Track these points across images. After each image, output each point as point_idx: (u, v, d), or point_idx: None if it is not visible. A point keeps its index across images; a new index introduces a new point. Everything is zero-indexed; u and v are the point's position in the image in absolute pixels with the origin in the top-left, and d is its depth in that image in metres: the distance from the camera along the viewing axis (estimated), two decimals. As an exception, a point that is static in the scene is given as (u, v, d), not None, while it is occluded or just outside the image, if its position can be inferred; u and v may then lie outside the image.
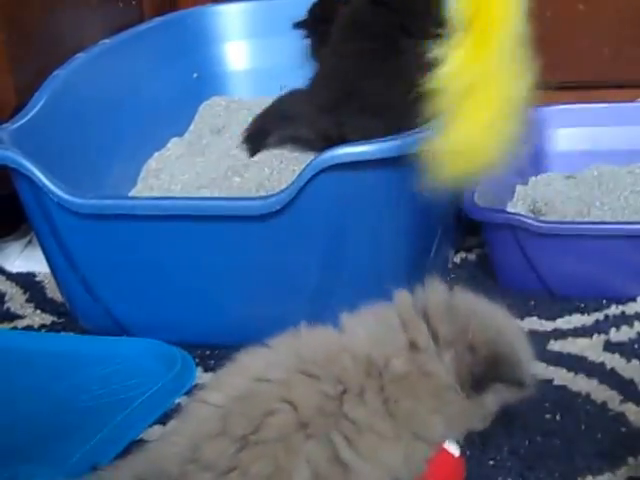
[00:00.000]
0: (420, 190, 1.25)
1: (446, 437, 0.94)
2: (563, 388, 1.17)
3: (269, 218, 1.24)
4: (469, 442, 1.07)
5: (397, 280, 1.24)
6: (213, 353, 1.33)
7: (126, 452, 1.13)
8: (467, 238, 1.57)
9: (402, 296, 1.01)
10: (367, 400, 0.87)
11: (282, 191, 1.23)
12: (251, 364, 0.92)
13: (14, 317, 1.51)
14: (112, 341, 1.36)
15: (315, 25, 1.72)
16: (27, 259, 1.64)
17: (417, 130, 1.23)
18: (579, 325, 1.31)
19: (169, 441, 0.90)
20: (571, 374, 1.19)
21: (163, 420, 1.20)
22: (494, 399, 0.96)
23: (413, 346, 0.93)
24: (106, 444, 1.14)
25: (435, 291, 1.00)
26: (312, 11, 1.74)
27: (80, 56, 1.55)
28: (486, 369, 0.93)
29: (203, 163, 1.65)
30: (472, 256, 1.53)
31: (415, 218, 1.30)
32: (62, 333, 1.44)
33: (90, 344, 1.37)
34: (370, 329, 0.95)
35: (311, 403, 0.85)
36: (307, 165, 1.21)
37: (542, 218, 1.44)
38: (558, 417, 1.12)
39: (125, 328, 1.38)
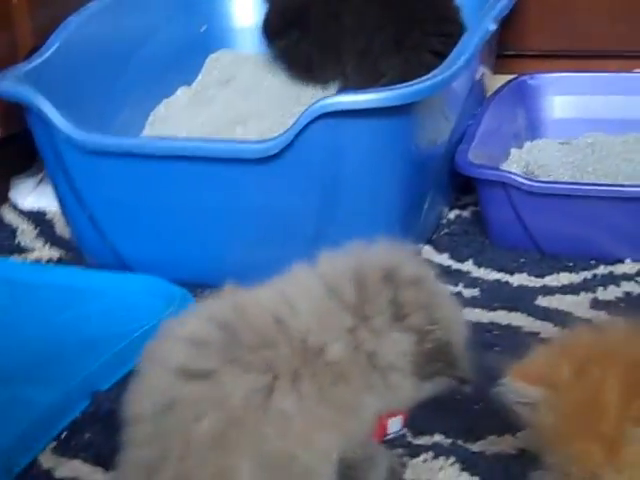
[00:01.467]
0: (414, 143, 1.24)
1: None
2: (549, 341, 1.14)
3: (266, 162, 1.22)
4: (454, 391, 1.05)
5: (391, 227, 1.25)
6: (212, 292, 1.30)
7: (124, 380, 1.11)
8: (462, 196, 1.54)
9: (363, 256, 0.87)
10: (300, 387, 0.80)
11: (279, 136, 1.21)
12: (180, 352, 0.81)
13: (24, 250, 1.49)
14: (115, 276, 1.35)
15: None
16: (39, 196, 1.62)
17: (413, 82, 1.21)
18: (567, 283, 1.28)
19: None
20: (557, 328, 1.16)
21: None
22: (433, 387, 0.88)
23: (362, 319, 0.83)
24: (104, 372, 1.13)
25: (400, 257, 0.87)
26: None
27: (94, 4, 1.53)
28: (440, 357, 0.85)
29: (208, 112, 1.63)
30: (466, 213, 1.50)
31: (408, 170, 1.28)
32: (67, 267, 1.42)
33: (93, 278, 1.35)
34: (314, 302, 0.83)
35: (240, 397, 0.78)
36: (303, 112, 1.19)
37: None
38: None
39: (128, 265, 1.37)
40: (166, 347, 0.81)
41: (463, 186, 1.50)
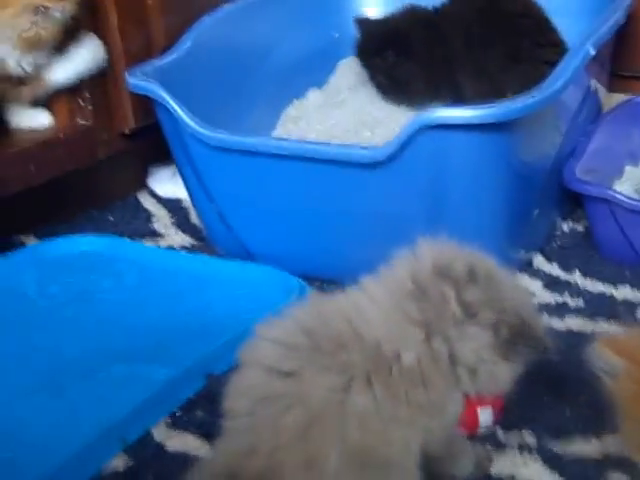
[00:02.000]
0: (518, 156, 1.25)
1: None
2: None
3: (374, 168, 1.25)
4: (548, 389, 1.08)
5: (496, 236, 1.27)
6: (328, 286, 1.35)
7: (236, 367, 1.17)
8: (577, 209, 1.55)
9: (426, 255, 0.90)
10: (374, 390, 0.83)
11: (386, 144, 1.24)
12: (267, 352, 0.87)
13: (158, 236, 1.55)
14: (239, 265, 1.39)
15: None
16: (176, 185, 1.65)
17: (518, 98, 1.23)
18: (669, 298, 1.28)
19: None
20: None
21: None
22: (520, 365, 0.91)
23: (433, 325, 0.86)
24: (219, 356, 1.17)
25: (457, 253, 0.90)
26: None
27: (227, 6, 1.58)
28: (517, 337, 0.87)
29: (338, 115, 1.66)
30: (579, 226, 1.50)
31: (512, 182, 1.29)
32: (197, 255, 1.47)
33: (218, 266, 1.41)
34: (386, 311, 0.87)
35: (320, 395, 0.82)
36: (407, 122, 1.22)
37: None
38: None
39: (253, 255, 1.41)
40: (260, 348, 0.88)
41: (578, 200, 1.50)
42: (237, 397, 0.87)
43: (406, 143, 1.21)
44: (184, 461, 1.00)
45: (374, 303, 0.88)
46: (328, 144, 1.39)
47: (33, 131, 1.45)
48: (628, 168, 1.52)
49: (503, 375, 0.89)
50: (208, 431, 1.04)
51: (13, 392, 1.13)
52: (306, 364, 0.84)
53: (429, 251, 0.91)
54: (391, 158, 1.23)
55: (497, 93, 1.48)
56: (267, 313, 1.22)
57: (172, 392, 1.11)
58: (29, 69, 1.39)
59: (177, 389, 1.12)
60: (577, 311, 1.27)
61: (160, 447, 1.03)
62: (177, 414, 1.09)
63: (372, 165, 1.25)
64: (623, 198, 1.32)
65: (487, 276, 0.88)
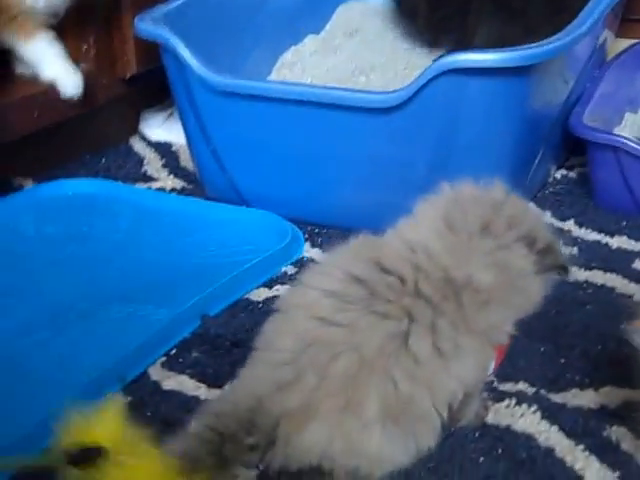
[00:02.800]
0: (530, 102, 1.23)
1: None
2: (641, 304, 1.14)
3: (386, 113, 1.23)
4: (544, 339, 1.06)
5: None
6: (322, 232, 1.34)
7: (232, 307, 1.16)
8: (571, 157, 1.53)
9: (468, 191, 0.92)
10: (438, 327, 0.82)
11: (403, 88, 1.22)
12: (317, 302, 0.84)
13: (150, 179, 1.54)
14: (233, 209, 1.38)
15: None
16: (167, 130, 1.66)
17: (537, 44, 1.20)
18: (667, 248, 1.27)
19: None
20: (652, 292, 1.15)
21: (269, 284, 1.21)
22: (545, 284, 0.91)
23: (493, 238, 0.87)
24: (216, 297, 1.17)
25: (487, 189, 0.93)
26: None
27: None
28: (546, 253, 0.89)
29: (334, 61, 1.64)
30: (573, 174, 1.49)
31: (522, 128, 1.28)
32: (189, 197, 1.46)
33: (213, 209, 1.39)
34: (442, 239, 0.87)
35: (376, 343, 0.81)
36: (428, 67, 1.20)
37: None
38: (632, 329, 1.09)
39: (246, 200, 1.40)
40: (309, 297, 0.85)
41: (573, 147, 1.48)
42: (280, 335, 0.84)
43: (423, 87, 1.20)
44: (179, 399, 0.99)
45: (432, 233, 0.87)
46: (340, 89, 1.37)
47: (37, 78, 1.43)
48: (628, 115, 1.50)
49: (536, 289, 0.89)
50: (203, 371, 1.04)
51: (14, 330, 1.12)
52: (362, 315, 0.82)
53: (459, 189, 0.92)
54: (406, 102, 1.21)
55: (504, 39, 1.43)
56: (259, 256, 1.23)
57: (169, 333, 1.10)
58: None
59: (174, 330, 1.11)
60: (571, 259, 1.23)
61: (156, 386, 1.02)
62: (173, 354, 1.08)
63: (384, 110, 1.23)
64: (633, 144, 1.30)
65: (516, 199, 0.92)
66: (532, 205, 0.94)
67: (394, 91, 1.23)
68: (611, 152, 1.31)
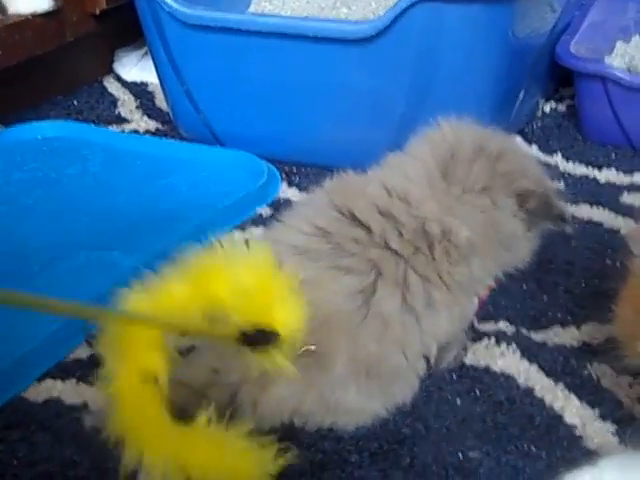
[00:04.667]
0: (512, 31, 1.20)
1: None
2: (628, 238, 1.11)
3: (363, 43, 1.19)
4: (526, 277, 1.04)
5: (481, 115, 1.19)
6: (299, 170, 1.32)
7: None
8: (561, 89, 1.49)
9: (451, 134, 0.87)
10: (407, 282, 0.79)
11: (378, 18, 1.18)
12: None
13: (123, 121, 1.51)
14: (205, 150, 1.35)
15: None
16: (142, 69, 1.63)
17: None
18: (656, 181, 1.24)
19: None
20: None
21: (243, 226, 1.18)
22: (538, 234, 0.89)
23: (482, 192, 0.83)
24: (187, 241, 1.11)
25: (485, 132, 0.88)
26: None
27: None
28: (543, 208, 0.85)
29: (314, -9, 1.60)
30: (562, 106, 1.46)
31: (504, 58, 1.23)
32: (163, 139, 1.43)
33: (186, 150, 1.36)
34: (424, 188, 0.83)
35: (338, 300, 0.77)
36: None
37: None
38: (618, 264, 1.06)
39: (221, 139, 1.37)
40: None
41: (563, 79, 1.45)
42: None
43: (399, 16, 1.16)
44: None
45: (410, 181, 0.84)
46: (315, 19, 1.35)
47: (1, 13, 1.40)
48: (619, 44, 1.46)
49: (525, 247, 0.87)
50: None
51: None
52: (324, 270, 0.78)
53: (459, 130, 0.87)
54: (382, 33, 1.18)
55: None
56: (235, 198, 1.20)
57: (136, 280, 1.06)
58: None
59: (141, 277, 1.06)
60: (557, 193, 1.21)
61: None
62: None
63: (361, 40, 1.19)
64: (620, 74, 1.27)
65: (513, 151, 0.87)
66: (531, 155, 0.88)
67: (369, 21, 1.20)
68: (599, 82, 1.28)
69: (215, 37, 1.27)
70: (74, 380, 0.90)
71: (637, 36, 1.50)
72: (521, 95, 1.32)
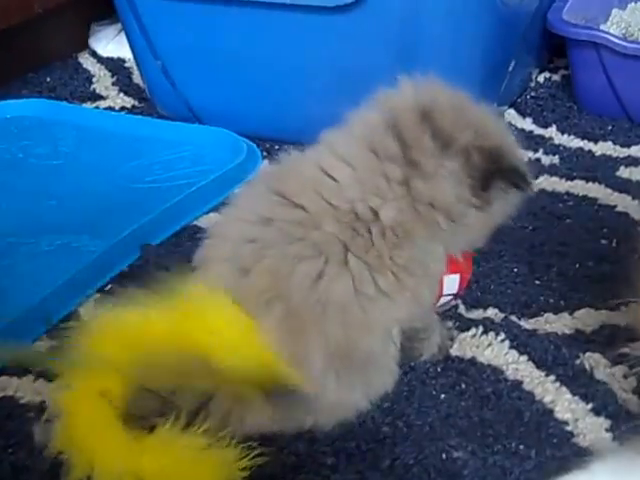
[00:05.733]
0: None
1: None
2: (624, 215, 1.06)
3: (342, 11, 1.14)
4: (517, 259, 0.98)
5: (470, 87, 1.14)
6: (281, 147, 1.25)
7: (177, 235, 1.07)
8: (555, 59, 1.44)
9: (393, 102, 0.79)
10: (352, 265, 0.74)
11: None
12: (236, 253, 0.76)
13: (98, 97, 1.46)
14: (182, 127, 1.30)
15: None
16: (119, 44, 1.57)
17: None
18: (654, 153, 1.18)
19: None
20: (635, 202, 1.07)
21: (220, 208, 1.12)
22: (501, 205, 0.79)
23: (411, 167, 0.75)
24: (159, 225, 1.08)
25: (432, 91, 0.79)
26: None
27: None
28: (491, 164, 0.76)
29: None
30: (556, 77, 1.40)
31: (493, 26, 1.18)
32: (138, 116, 1.37)
33: (161, 128, 1.30)
34: (355, 167, 0.76)
35: (297, 292, 0.73)
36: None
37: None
38: (614, 244, 1.01)
39: (199, 116, 1.32)
40: (227, 248, 0.76)
41: (557, 48, 1.39)
42: None
43: None
44: None
45: (342, 160, 0.77)
46: None
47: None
48: (615, 11, 1.41)
49: (477, 221, 0.78)
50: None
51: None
52: (278, 259, 0.73)
53: (406, 94, 0.79)
54: (359, 1, 1.12)
55: None
56: (212, 177, 1.15)
57: (103, 265, 1.01)
58: None
59: (108, 262, 1.02)
60: (552, 169, 1.17)
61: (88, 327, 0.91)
62: (108, 289, 0.99)
63: (339, 9, 1.14)
64: (615, 40, 1.22)
65: (458, 105, 0.78)
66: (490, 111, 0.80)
67: None
68: (593, 50, 1.23)
69: (189, 7, 1.22)
70: (32, 376, 0.85)
71: (633, 3, 1.45)
72: (512, 65, 1.27)
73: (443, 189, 0.75)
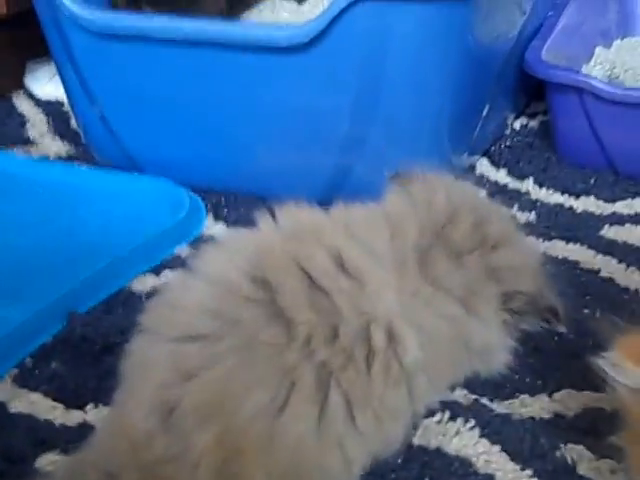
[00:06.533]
0: (472, 34, 1.09)
1: None
2: (609, 281, 1.01)
3: (296, 52, 1.10)
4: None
5: (437, 135, 1.15)
6: (228, 201, 1.21)
7: (108, 301, 1.01)
8: (534, 103, 1.41)
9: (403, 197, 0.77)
10: (330, 397, 0.66)
11: (311, 21, 1.08)
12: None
13: (31, 143, 1.41)
14: (119, 177, 1.24)
15: None
16: (58, 84, 1.50)
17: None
18: (641, 211, 1.15)
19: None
20: (622, 266, 1.03)
21: (157, 270, 1.06)
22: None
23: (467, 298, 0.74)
24: (88, 289, 1.02)
25: (487, 209, 0.79)
26: None
27: None
28: (529, 305, 0.78)
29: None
30: (534, 123, 1.37)
31: (464, 67, 1.14)
32: (72, 164, 1.32)
33: (97, 179, 1.25)
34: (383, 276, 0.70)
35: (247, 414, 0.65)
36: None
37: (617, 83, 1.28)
38: (598, 314, 0.94)
39: (139, 165, 1.27)
40: (167, 348, 0.67)
41: (535, 90, 1.36)
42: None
43: (337, 19, 1.07)
44: (30, 426, 0.84)
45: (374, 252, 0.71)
46: (238, 25, 1.25)
47: None
48: (599, 50, 1.38)
49: (499, 358, 0.79)
50: (63, 386, 0.89)
51: None
52: (232, 370, 0.64)
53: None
54: (317, 39, 1.09)
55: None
56: (151, 234, 1.09)
57: (23, 337, 0.95)
58: None
59: (30, 333, 0.95)
60: (528, 227, 1.11)
61: (2, 408, 0.87)
62: (27, 364, 0.93)
63: (293, 48, 1.10)
64: (599, 85, 1.18)
65: (511, 237, 0.80)
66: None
67: (301, 25, 1.09)
68: (575, 94, 1.20)
69: (125, 46, 1.18)
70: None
71: (619, 40, 1.43)
72: (485, 110, 1.23)
73: (493, 337, 0.76)
